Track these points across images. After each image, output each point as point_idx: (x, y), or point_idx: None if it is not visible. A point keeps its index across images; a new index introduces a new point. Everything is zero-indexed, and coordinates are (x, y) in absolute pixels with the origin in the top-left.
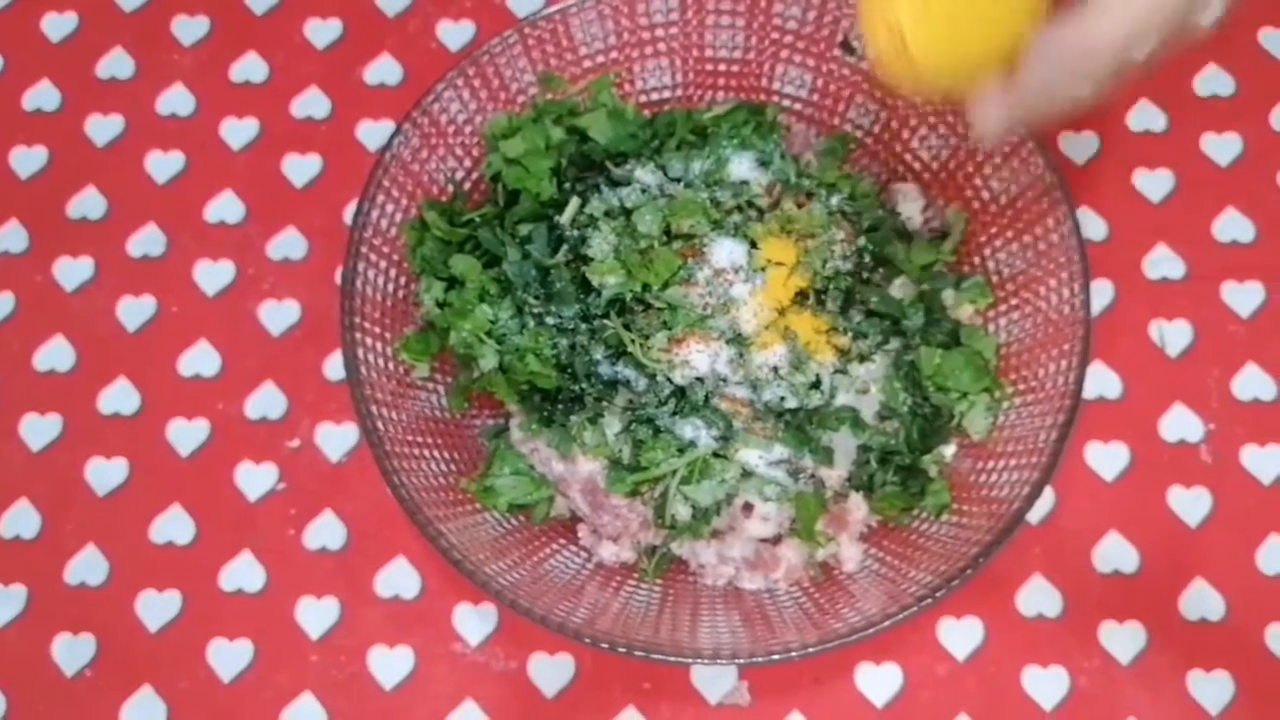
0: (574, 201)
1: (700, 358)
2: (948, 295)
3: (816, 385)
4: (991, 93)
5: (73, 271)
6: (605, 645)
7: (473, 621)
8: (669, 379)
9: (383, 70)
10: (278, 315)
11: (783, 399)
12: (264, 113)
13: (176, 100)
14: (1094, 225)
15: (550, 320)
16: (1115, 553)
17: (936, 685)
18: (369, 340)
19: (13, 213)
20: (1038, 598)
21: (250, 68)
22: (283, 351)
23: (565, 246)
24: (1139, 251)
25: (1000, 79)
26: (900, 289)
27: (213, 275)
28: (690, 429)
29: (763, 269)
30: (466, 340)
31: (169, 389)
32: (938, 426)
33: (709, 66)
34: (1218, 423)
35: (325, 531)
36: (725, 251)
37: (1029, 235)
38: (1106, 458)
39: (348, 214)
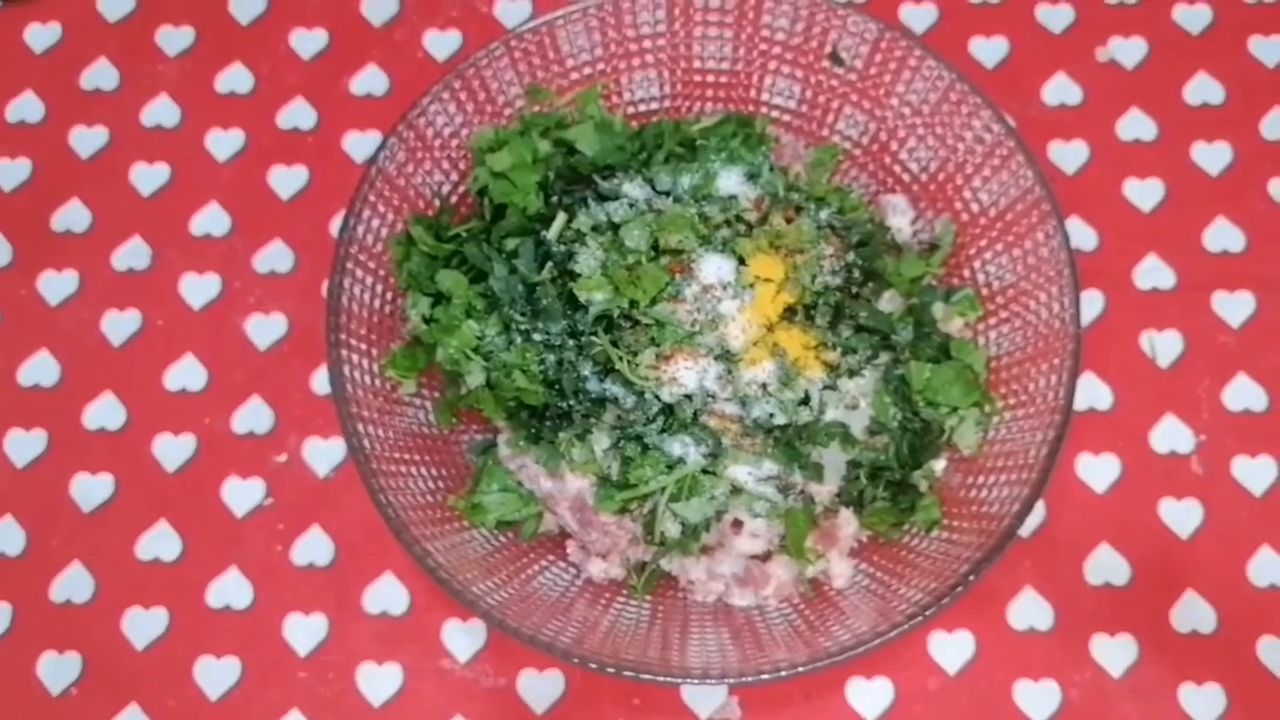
0: (561, 216)
1: (688, 374)
2: (937, 308)
3: (805, 401)
4: None
5: (57, 285)
6: (594, 665)
7: (462, 638)
8: (657, 396)
9: (369, 81)
10: (264, 329)
11: (772, 415)
12: (250, 124)
13: (161, 111)
14: (1084, 235)
15: (537, 336)
16: (1106, 565)
17: (928, 699)
18: (355, 356)
19: None
20: (1029, 611)
21: (236, 78)
22: (270, 365)
23: (552, 262)
24: (1129, 261)
25: None
26: (889, 302)
27: (199, 288)
28: (679, 446)
29: (751, 285)
30: (453, 356)
31: (155, 404)
32: (928, 441)
33: (697, 77)
34: (1209, 434)
35: (313, 547)
36: (713, 267)
37: (1019, 248)
38: (1097, 469)
39: (335, 226)
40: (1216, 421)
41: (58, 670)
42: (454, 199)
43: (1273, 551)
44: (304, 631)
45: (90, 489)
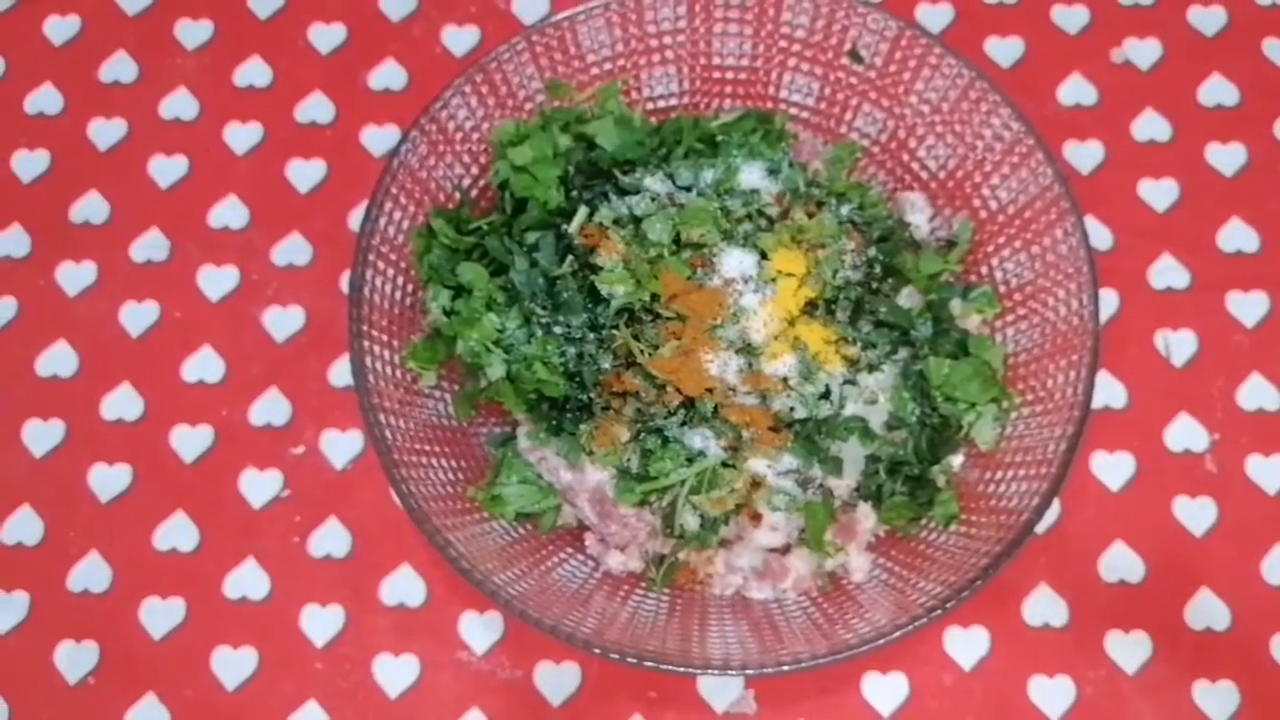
0: (582, 210)
1: (710, 367)
2: (955, 305)
3: (826, 395)
4: None
5: (75, 276)
6: (615, 655)
7: (478, 630)
8: (678, 389)
9: (387, 75)
10: (282, 321)
11: (792, 409)
12: (268, 117)
13: (180, 104)
14: (1099, 235)
15: (558, 329)
16: (1121, 562)
17: (943, 695)
18: (376, 348)
19: (15, 217)
20: (1044, 607)
21: (254, 72)
22: (287, 358)
23: (573, 255)
24: (1144, 261)
25: None
26: (908, 299)
27: (216, 281)
28: (699, 439)
29: (773, 279)
30: (474, 349)
31: (172, 395)
32: (946, 436)
33: (716, 74)
34: (1223, 433)
35: (330, 539)
36: (735, 261)
37: (1037, 245)
38: (1112, 467)
39: (352, 220)
40: (1231, 421)
41: (75, 659)
42: (474, 192)
43: None
44: (321, 622)
45: (108, 479)
